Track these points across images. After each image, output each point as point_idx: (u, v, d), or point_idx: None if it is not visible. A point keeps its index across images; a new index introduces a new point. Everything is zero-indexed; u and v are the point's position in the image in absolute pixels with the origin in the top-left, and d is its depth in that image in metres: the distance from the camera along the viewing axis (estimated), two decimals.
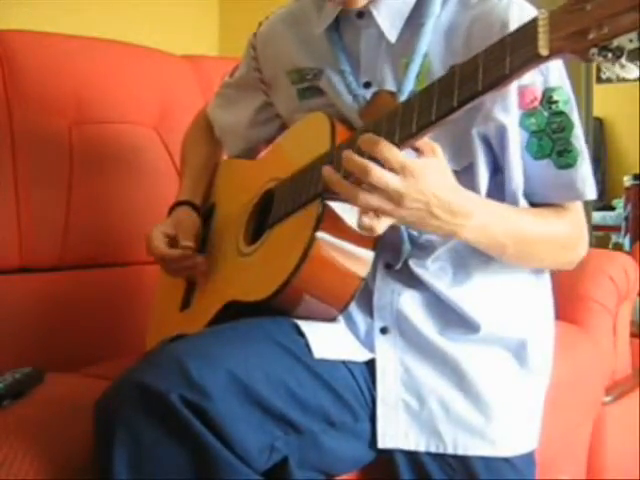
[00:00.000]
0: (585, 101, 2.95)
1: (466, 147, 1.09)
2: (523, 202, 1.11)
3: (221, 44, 2.85)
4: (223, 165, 1.42)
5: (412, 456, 1.09)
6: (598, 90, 3.48)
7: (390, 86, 1.13)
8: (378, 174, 0.90)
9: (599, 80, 4.84)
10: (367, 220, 0.93)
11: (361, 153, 0.92)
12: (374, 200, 0.91)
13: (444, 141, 1.08)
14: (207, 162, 1.42)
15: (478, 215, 0.99)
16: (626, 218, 5.02)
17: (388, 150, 0.91)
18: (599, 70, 4.69)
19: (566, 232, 1.13)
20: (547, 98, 1.08)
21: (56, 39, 1.74)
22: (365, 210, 0.93)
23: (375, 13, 1.14)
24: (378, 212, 0.93)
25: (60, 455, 1.00)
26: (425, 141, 0.95)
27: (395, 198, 0.91)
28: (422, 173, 0.92)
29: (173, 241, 1.26)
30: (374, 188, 0.91)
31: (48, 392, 1.20)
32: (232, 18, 2.83)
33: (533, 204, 1.12)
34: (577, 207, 1.14)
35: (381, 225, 0.93)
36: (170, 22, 2.61)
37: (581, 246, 1.15)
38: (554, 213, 1.12)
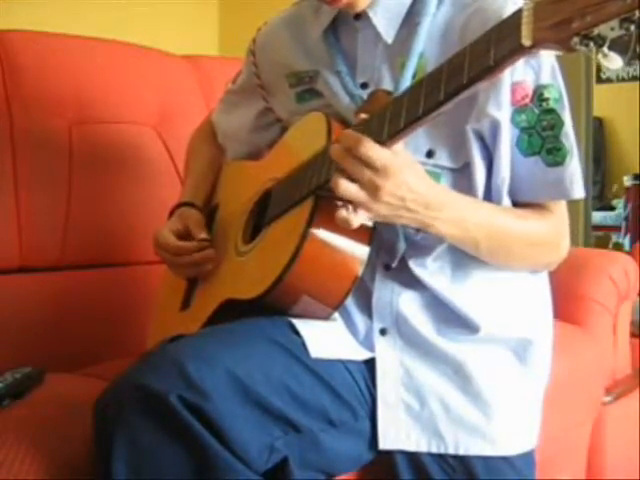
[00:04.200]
0: (585, 101, 2.95)
1: (463, 146, 1.10)
2: (506, 199, 1.11)
3: (221, 44, 2.86)
4: (227, 167, 1.42)
5: (412, 456, 1.09)
6: (598, 90, 3.48)
7: (387, 86, 1.14)
8: (357, 170, 0.93)
9: (599, 80, 4.84)
10: (344, 213, 0.95)
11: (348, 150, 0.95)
12: (354, 191, 0.94)
13: (441, 140, 1.09)
14: (210, 166, 1.42)
15: (451, 207, 1.01)
16: (626, 218, 5.02)
17: (370, 149, 0.93)
18: (599, 70, 4.69)
19: (545, 232, 1.13)
20: (538, 95, 1.09)
21: (56, 39, 1.74)
22: (345, 202, 0.95)
23: (371, 14, 1.14)
24: (355, 205, 0.95)
25: (60, 455, 1.00)
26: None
27: (373, 192, 0.94)
28: (399, 169, 0.94)
29: (183, 237, 1.25)
30: (355, 180, 0.94)
31: (48, 392, 1.20)
32: (232, 18, 2.84)
33: (520, 203, 1.13)
34: (560, 209, 1.15)
35: (357, 219, 0.96)
36: (170, 22, 2.62)
37: (562, 247, 1.15)
38: (534, 213, 1.12)
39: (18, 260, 1.59)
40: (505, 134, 1.09)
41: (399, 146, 0.96)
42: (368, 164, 0.93)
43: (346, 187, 0.94)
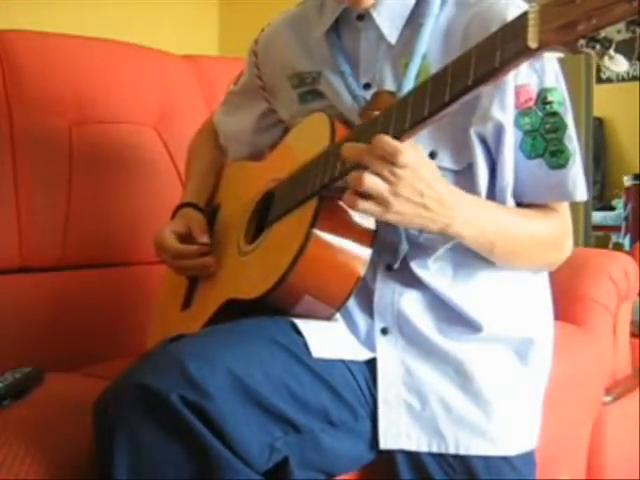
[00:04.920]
0: (585, 101, 2.95)
1: (465, 148, 1.10)
2: (511, 201, 1.12)
3: (221, 44, 2.85)
4: (228, 167, 1.42)
5: (412, 456, 1.09)
6: (598, 90, 3.48)
7: (390, 87, 1.14)
8: (377, 165, 0.93)
9: (599, 80, 4.84)
10: (367, 204, 0.95)
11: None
12: (379, 183, 0.93)
13: (443, 142, 1.09)
14: (212, 166, 1.42)
15: (467, 207, 1.01)
16: (626, 218, 5.02)
17: (401, 155, 0.92)
18: (599, 70, 4.68)
19: (551, 232, 1.14)
20: (542, 99, 1.09)
21: (56, 39, 1.74)
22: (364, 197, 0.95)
23: (375, 15, 1.14)
24: (377, 200, 0.94)
25: (60, 455, 1.00)
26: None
27: (393, 183, 0.93)
28: (417, 165, 0.94)
29: (184, 238, 1.26)
30: (375, 173, 0.94)
31: (48, 392, 1.20)
32: (232, 18, 2.83)
33: (522, 205, 1.13)
34: (564, 209, 1.15)
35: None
36: (170, 22, 2.61)
37: (566, 247, 1.16)
38: (540, 213, 1.13)
39: (18, 260, 1.59)
40: (509, 137, 1.09)
41: (412, 143, 0.96)
42: (387, 159, 0.93)
43: (373, 180, 0.93)
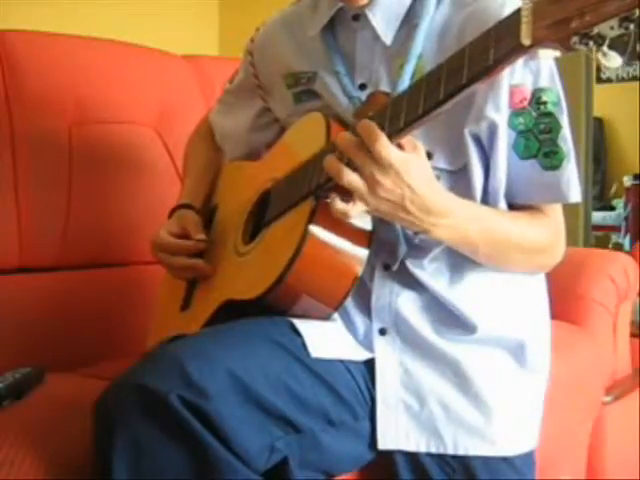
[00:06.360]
0: (585, 101, 2.95)
1: (460, 148, 1.10)
2: (503, 202, 1.11)
3: (221, 44, 2.86)
4: (226, 167, 1.42)
5: (412, 456, 1.09)
6: (598, 90, 3.47)
7: (385, 87, 1.14)
8: (362, 162, 0.93)
9: (599, 80, 4.83)
10: (341, 205, 0.95)
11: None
12: (354, 180, 0.94)
13: (439, 142, 1.09)
14: (208, 167, 1.42)
15: (453, 214, 1.00)
16: (626, 218, 5.02)
17: (383, 146, 0.92)
18: (599, 70, 4.68)
19: (541, 236, 1.13)
20: (536, 99, 1.09)
21: (56, 39, 1.75)
22: (344, 194, 0.95)
23: (370, 16, 1.14)
24: (355, 195, 0.95)
25: (60, 455, 1.00)
26: (408, 138, 0.96)
27: (372, 185, 0.93)
28: (403, 168, 0.94)
29: (180, 237, 1.26)
30: (357, 171, 0.94)
31: (48, 392, 1.20)
32: (232, 18, 2.84)
33: (515, 206, 1.13)
34: (556, 212, 1.15)
35: (355, 210, 0.96)
36: (170, 22, 2.62)
37: (557, 251, 1.15)
38: (531, 217, 1.12)
39: (18, 260, 1.59)
40: (502, 138, 1.08)
41: (416, 147, 0.96)
42: (375, 159, 0.93)
43: (349, 175, 0.93)
